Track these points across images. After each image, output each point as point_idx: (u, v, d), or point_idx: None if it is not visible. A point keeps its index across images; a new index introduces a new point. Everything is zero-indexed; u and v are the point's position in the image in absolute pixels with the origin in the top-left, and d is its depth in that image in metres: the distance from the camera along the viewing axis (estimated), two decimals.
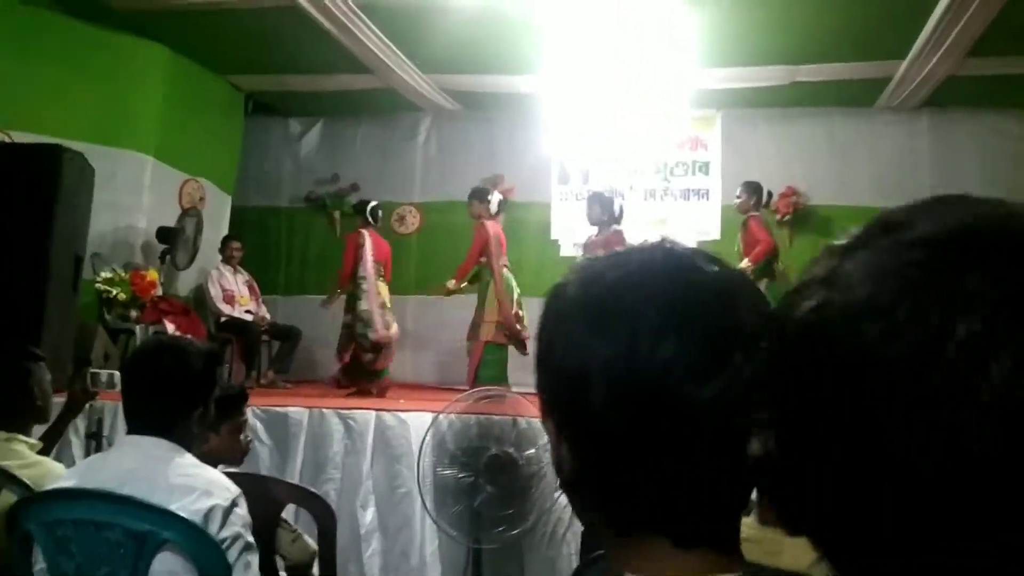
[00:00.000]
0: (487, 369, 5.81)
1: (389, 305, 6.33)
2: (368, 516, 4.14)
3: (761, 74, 6.90)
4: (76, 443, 4.03)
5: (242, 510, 1.85)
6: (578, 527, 3.93)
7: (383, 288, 6.32)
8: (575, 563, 3.92)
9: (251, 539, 1.85)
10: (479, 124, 8.16)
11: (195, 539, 1.78)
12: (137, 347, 2.11)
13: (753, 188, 6.26)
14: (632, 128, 7.80)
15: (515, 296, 6.27)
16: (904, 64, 6.42)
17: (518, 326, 6.06)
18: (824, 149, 7.69)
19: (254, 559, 1.86)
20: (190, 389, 1.94)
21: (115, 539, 1.77)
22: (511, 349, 6.08)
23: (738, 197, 6.32)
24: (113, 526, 1.77)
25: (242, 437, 2.50)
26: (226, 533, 1.80)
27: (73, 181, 4.76)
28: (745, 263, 6.05)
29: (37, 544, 1.86)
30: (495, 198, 6.49)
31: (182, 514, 1.77)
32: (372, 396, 5.69)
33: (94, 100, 6.26)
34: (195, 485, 1.84)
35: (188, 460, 1.91)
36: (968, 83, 6.68)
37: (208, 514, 1.79)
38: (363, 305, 6.11)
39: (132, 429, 1.96)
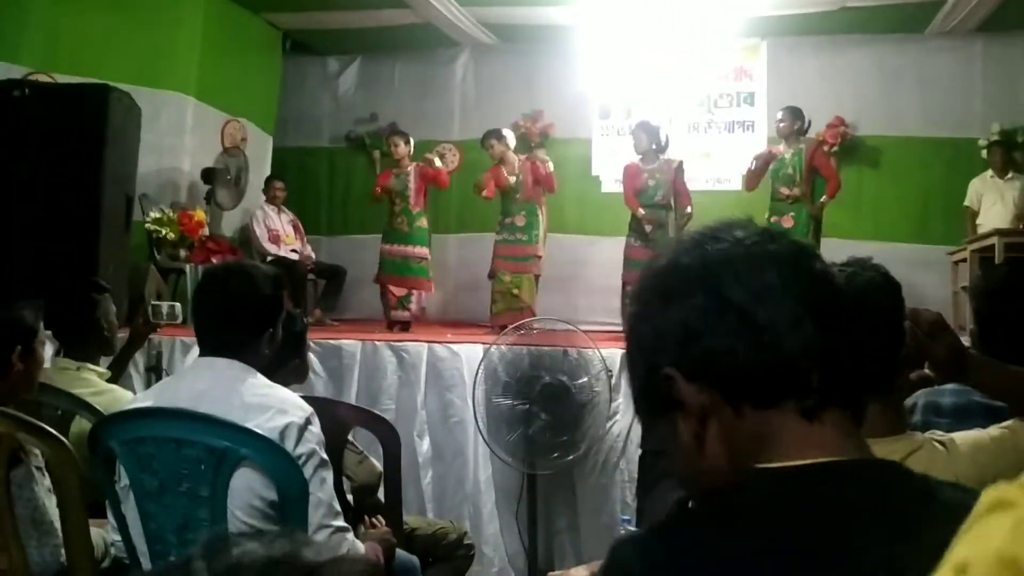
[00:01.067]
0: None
1: None
2: (424, 445, 4.21)
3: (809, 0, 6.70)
4: (136, 377, 4.13)
5: (316, 428, 1.89)
6: (631, 457, 3.97)
7: None
8: (628, 492, 3.97)
9: (325, 456, 1.89)
10: (517, 58, 8.04)
11: (272, 455, 1.82)
12: (205, 270, 2.14)
13: (795, 113, 6.11)
14: (674, 59, 7.66)
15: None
16: None
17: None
18: (873, 78, 7.48)
19: (329, 475, 1.90)
20: (259, 311, 1.97)
21: (195, 456, 1.82)
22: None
23: (780, 121, 6.16)
24: (193, 443, 1.82)
25: (306, 363, 2.54)
26: (301, 449, 1.84)
27: (121, 121, 4.79)
28: (824, 199, 5.95)
29: (120, 461, 1.92)
30: (509, 133, 6.43)
31: (259, 431, 1.81)
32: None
33: (134, 41, 6.26)
34: (270, 404, 1.87)
35: (261, 380, 1.94)
36: None
37: (284, 431, 1.83)
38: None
39: (204, 352, 1.99)
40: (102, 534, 2.21)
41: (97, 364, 2.77)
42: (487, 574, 3.81)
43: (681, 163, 6.08)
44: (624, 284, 5.80)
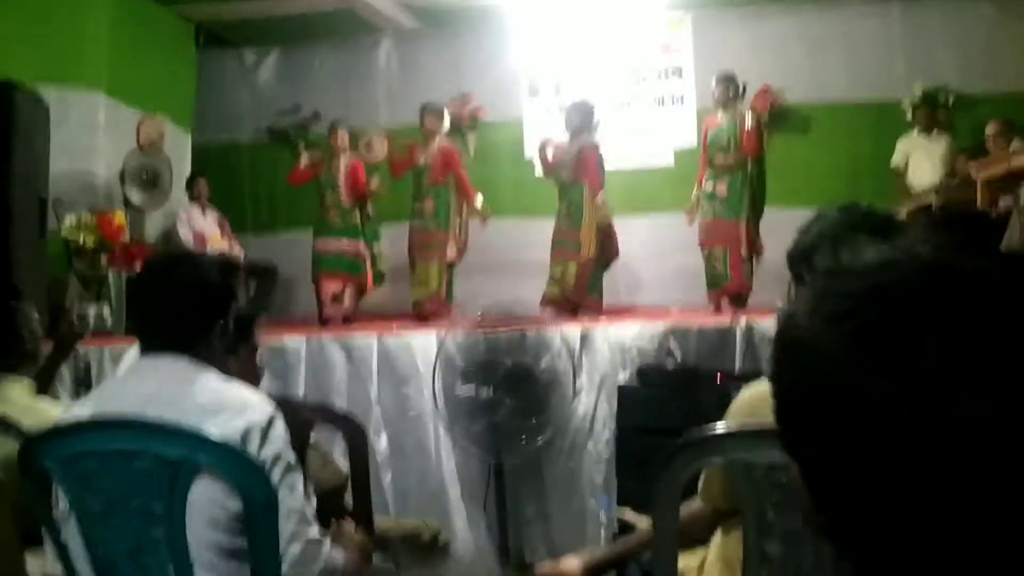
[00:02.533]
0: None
1: None
2: (382, 442, 4.04)
3: None
4: (64, 393, 3.83)
5: (281, 428, 1.70)
6: (600, 437, 3.87)
7: None
8: (597, 474, 3.86)
9: (293, 458, 1.71)
10: (441, 42, 7.86)
11: (234, 462, 1.62)
12: (146, 261, 1.92)
13: (728, 79, 6.08)
14: (601, 36, 7.58)
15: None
16: None
17: None
18: (798, 46, 7.50)
19: (299, 479, 1.71)
20: (210, 301, 1.77)
21: (146, 469, 1.61)
22: None
23: (715, 89, 6.13)
24: (142, 454, 1.61)
25: (258, 359, 2.34)
26: (266, 453, 1.65)
27: (27, 120, 4.47)
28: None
29: (56, 482, 1.70)
30: (447, 115, 6.33)
31: (216, 436, 1.61)
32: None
33: (37, 36, 5.89)
34: (227, 403, 1.67)
35: (214, 378, 1.74)
36: None
37: (245, 434, 1.64)
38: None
39: (147, 350, 1.78)
40: (41, 566, 1.98)
41: (21, 376, 2.51)
42: (457, 571, 3.65)
43: (585, 148, 5.94)
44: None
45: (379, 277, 6.38)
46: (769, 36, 7.50)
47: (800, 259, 1.62)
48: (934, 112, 6.99)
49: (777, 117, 7.45)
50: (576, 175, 5.85)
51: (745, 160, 5.86)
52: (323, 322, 5.89)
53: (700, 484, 1.73)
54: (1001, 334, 0.51)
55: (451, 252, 5.99)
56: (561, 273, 5.69)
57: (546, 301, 5.56)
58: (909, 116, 7.05)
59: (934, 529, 0.52)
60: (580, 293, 5.62)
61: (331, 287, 6.02)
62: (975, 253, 0.55)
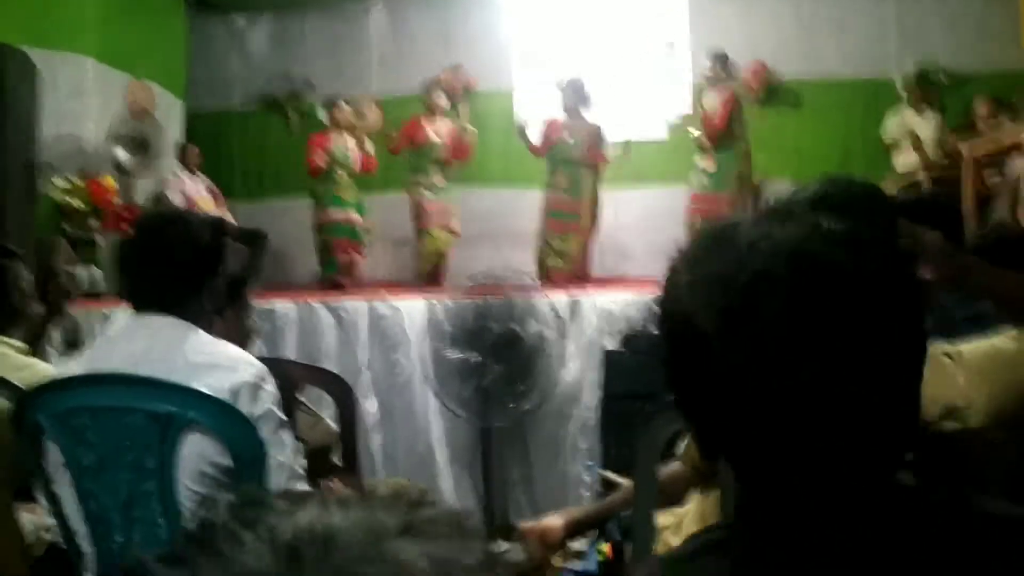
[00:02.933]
0: None
1: None
2: (372, 406, 4.07)
3: None
4: (53, 353, 3.84)
5: (271, 386, 1.73)
6: (586, 403, 3.92)
7: None
8: (583, 440, 3.92)
9: (283, 416, 1.74)
10: (433, 10, 7.81)
11: (224, 418, 1.65)
12: (138, 220, 1.94)
13: (718, 58, 6.12)
14: (595, 6, 7.55)
15: None
16: None
17: None
18: (792, 22, 7.52)
19: (289, 436, 1.75)
20: (200, 261, 1.79)
21: (137, 424, 1.64)
22: None
23: (709, 70, 6.18)
24: (134, 411, 1.64)
25: (249, 322, 2.37)
26: (256, 410, 1.68)
27: (18, 82, 4.45)
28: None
29: (48, 437, 1.73)
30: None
31: (207, 392, 1.64)
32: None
33: (27, 0, 5.82)
34: (217, 362, 1.70)
35: (204, 337, 1.77)
36: None
37: (236, 391, 1.67)
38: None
39: (138, 308, 1.80)
40: (32, 520, 2.02)
41: (12, 337, 2.52)
42: None
43: (600, 128, 6.01)
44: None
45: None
46: (763, 11, 7.50)
47: None
48: (926, 90, 7.01)
49: (770, 92, 7.47)
50: (588, 153, 5.90)
51: (730, 137, 5.90)
52: (335, 286, 5.91)
53: (684, 446, 1.77)
54: (839, 319, 0.63)
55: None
56: (563, 245, 5.75)
57: (548, 273, 5.62)
58: (902, 94, 7.07)
59: (776, 463, 0.66)
60: (585, 265, 5.72)
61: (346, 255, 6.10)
62: (836, 241, 0.65)
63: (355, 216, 6.20)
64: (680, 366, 0.70)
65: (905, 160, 6.64)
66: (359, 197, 6.32)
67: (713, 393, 0.67)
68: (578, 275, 5.69)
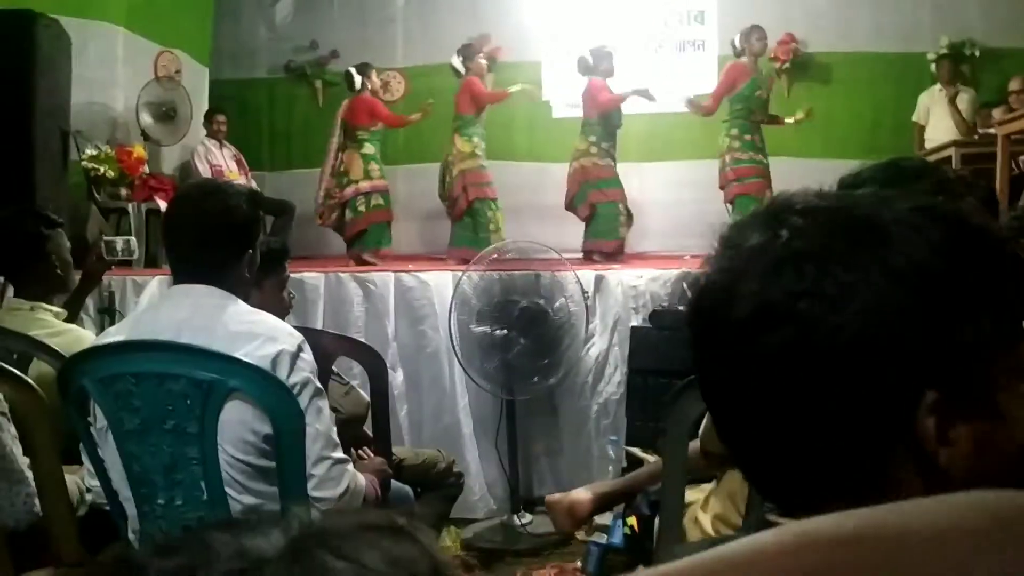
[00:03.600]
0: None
1: None
2: (399, 377, 4.11)
3: None
4: (88, 320, 3.92)
5: (308, 355, 1.77)
6: (611, 378, 3.94)
7: None
8: (607, 416, 3.95)
9: (319, 384, 1.78)
10: None
11: (264, 385, 1.69)
12: (177, 192, 1.98)
13: (743, 34, 6.04)
14: None
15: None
16: None
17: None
18: None
19: (325, 404, 1.79)
20: (238, 232, 1.83)
21: (180, 390, 1.69)
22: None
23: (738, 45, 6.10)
24: (177, 377, 1.68)
25: (285, 294, 2.41)
26: (295, 378, 1.72)
27: (50, 50, 4.48)
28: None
29: (95, 401, 1.78)
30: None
31: (248, 360, 1.68)
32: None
33: None
34: (257, 331, 1.74)
35: (244, 307, 1.81)
36: None
37: (275, 360, 1.71)
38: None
39: (179, 279, 1.85)
40: (76, 480, 2.08)
41: (51, 304, 2.58)
42: (468, 503, 3.75)
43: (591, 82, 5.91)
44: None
45: None
46: None
47: None
48: (958, 66, 6.91)
49: (798, 66, 7.39)
50: (588, 110, 5.82)
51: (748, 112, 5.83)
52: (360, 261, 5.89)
53: (701, 430, 1.74)
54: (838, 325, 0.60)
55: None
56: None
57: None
58: (934, 68, 6.98)
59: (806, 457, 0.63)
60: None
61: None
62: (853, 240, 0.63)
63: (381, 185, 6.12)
64: (707, 350, 0.68)
65: (935, 136, 6.57)
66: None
67: (735, 382, 0.65)
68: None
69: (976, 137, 5.73)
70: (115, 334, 1.87)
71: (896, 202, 0.65)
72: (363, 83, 6.03)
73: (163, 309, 1.88)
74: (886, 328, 0.60)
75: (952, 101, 6.40)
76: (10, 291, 2.61)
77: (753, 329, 0.63)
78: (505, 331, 3.53)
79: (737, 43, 5.96)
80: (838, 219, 0.65)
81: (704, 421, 1.63)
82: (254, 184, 6.80)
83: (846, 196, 0.69)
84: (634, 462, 2.58)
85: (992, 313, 0.62)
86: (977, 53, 7.04)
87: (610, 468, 3.16)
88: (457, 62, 6.14)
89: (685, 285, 3.84)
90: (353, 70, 6.10)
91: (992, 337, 0.61)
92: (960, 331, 0.60)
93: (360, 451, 2.41)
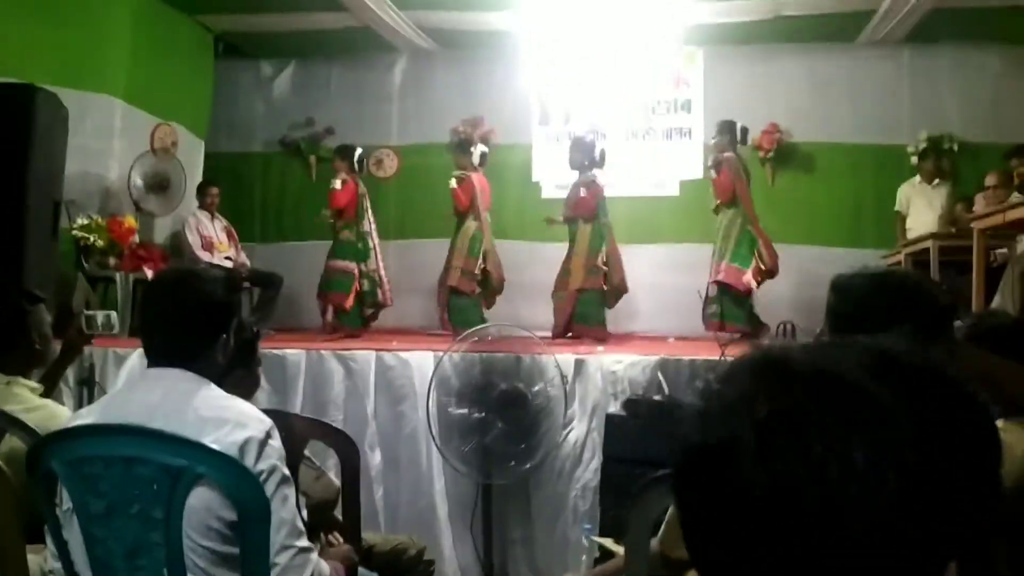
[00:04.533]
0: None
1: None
2: (376, 457, 4.10)
3: (746, 8, 6.80)
4: (67, 391, 3.92)
5: (276, 442, 1.78)
6: (588, 465, 3.93)
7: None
8: (582, 501, 3.92)
9: (287, 471, 1.79)
10: (456, 64, 7.99)
11: (232, 473, 1.70)
12: (155, 276, 2.01)
13: (727, 127, 6.22)
14: (613, 66, 7.70)
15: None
16: None
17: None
18: (805, 85, 7.64)
19: (291, 492, 1.79)
20: (213, 317, 1.85)
21: (148, 475, 1.69)
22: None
23: (713, 139, 6.30)
24: (145, 462, 1.69)
25: (257, 372, 2.42)
26: (262, 466, 1.73)
27: (47, 122, 4.57)
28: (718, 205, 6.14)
29: (62, 483, 1.78)
30: (477, 149, 6.45)
31: (216, 447, 1.70)
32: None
33: (58, 40, 5.98)
34: (227, 417, 1.76)
35: (216, 392, 1.83)
36: (951, 16, 6.64)
37: (243, 446, 1.71)
38: (372, 264, 6.26)
39: (153, 362, 1.87)
40: (38, 561, 2.06)
41: (29, 378, 2.59)
42: None
43: (582, 185, 6.10)
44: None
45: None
46: (777, 74, 7.63)
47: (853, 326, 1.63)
48: (939, 160, 7.09)
49: (782, 155, 7.57)
50: (574, 211, 5.99)
51: (734, 204, 5.98)
52: (329, 331, 6.06)
53: (661, 533, 1.73)
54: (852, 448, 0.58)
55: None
56: (556, 301, 5.87)
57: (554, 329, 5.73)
58: (914, 162, 7.16)
59: None
60: (568, 322, 5.78)
61: (338, 301, 6.16)
62: (868, 363, 0.62)
63: (357, 265, 6.27)
64: (699, 487, 0.65)
65: (915, 226, 6.70)
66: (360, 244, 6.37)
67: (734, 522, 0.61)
68: (560, 330, 5.77)
69: (953, 230, 5.83)
70: (87, 416, 1.88)
71: (893, 370, 0.63)
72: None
73: (136, 392, 1.89)
74: (912, 517, 0.58)
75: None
76: None
77: (773, 502, 0.59)
78: (483, 414, 3.54)
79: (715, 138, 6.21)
80: (840, 391, 0.62)
81: (665, 521, 1.64)
82: (244, 256, 6.87)
83: (837, 356, 0.65)
84: (606, 553, 2.57)
85: (991, 480, 0.62)
86: (955, 147, 7.23)
87: (583, 557, 3.14)
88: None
89: (660, 375, 3.92)
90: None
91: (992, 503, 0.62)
92: (976, 506, 0.60)
93: (330, 536, 2.40)
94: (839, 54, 7.57)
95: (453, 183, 6.25)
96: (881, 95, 7.52)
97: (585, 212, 5.91)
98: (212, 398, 1.80)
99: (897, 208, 7.02)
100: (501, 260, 6.60)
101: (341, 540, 2.37)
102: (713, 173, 6.18)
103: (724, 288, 5.85)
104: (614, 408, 3.87)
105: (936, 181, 6.94)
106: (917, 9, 6.52)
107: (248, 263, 6.85)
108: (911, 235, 6.52)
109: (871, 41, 7.38)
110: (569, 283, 5.81)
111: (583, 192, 5.92)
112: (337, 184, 6.29)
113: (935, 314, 1.57)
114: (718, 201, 6.16)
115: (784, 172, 7.63)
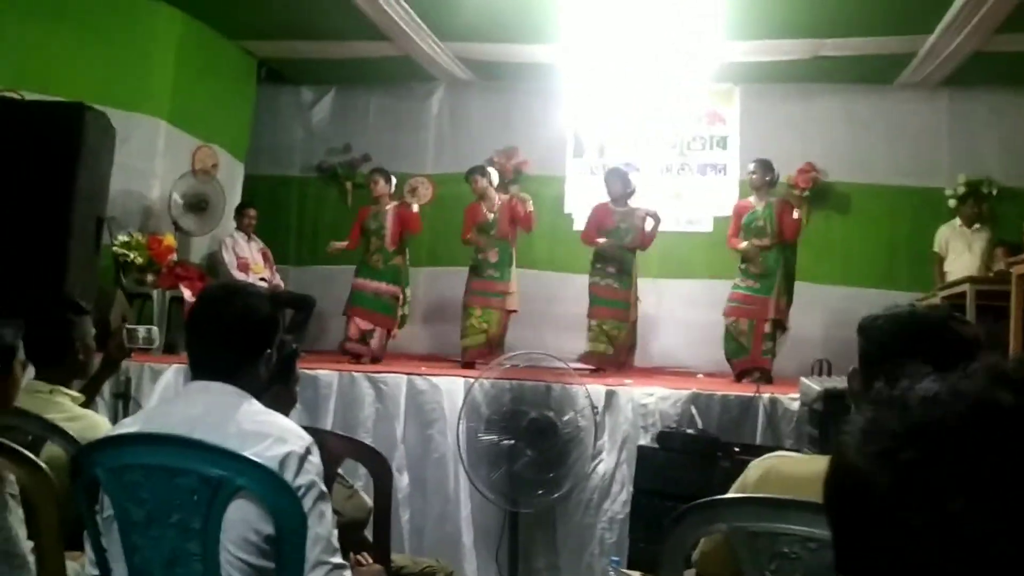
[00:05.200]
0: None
1: None
2: (404, 481, 4.11)
3: (784, 47, 6.82)
4: (102, 404, 3.97)
5: (316, 458, 1.79)
6: (616, 497, 3.91)
7: None
8: (609, 534, 3.90)
9: (324, 488, 1.80)
10: (493, 95, 8.08)
11: (271, 486, 1.72)
12: (201, 292, 2.04)
13: (766, 165, 6.18)
14: (650, 101, 7.75)
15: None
16: (931, 39, 6.34)
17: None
18: (842, 126, 7.64)
19: (328, 508, 1.80)
20: (258, 332, 1.89)
21: (188, 485, 1.71)
22: None
23: (752, 173, 6.25)
24: (187, 472, 1.71)
25: (295, 389, 2.46)
26: (301, 481, 1.75)
27: (95, 140, 4.68)
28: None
29: (104, 490, 1.81)
30: (493, 171, 6.55)
31: (257, 460, 1.72)
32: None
33: (107, 62, 6.17)
34: (268, 432, 1.78)
35: (257, 407, 1.85)
36: (991, 60, 6.61)
37: (283, 461, 1.73)
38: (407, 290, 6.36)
39: (198, 375, 1.90)
40: (75, 568, 2.09)
41: (71, 388, 2.64)
42: None
43: (648, 214, 6.10)
44: (589, 319, 5.94)
45: (403, 320, 6.49)
46: (815, 114, 7.63)
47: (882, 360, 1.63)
48: (978, 205, 7.03)
49: (817, 194, 7.55)
50: (637, 239, 6.00)
51: (782, 242, 5.91)
52: (343, 352, 6.08)
53: (695, 555, 1.74)
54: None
55: (512, 302, 6.18)
56: (615, 331, 5.83)
57: (594, 357, 5.68)
58: (951, 204, 7.11)
59: None
60: (630, 352, 5.79)
61: (362, 324, 6.18)
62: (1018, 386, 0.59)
63: (386, 288, 6.27)
64: (848, 527, 0.63)
65: (953, 269, 6.63)
66: (396, 267, 6.38)
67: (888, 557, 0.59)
68: (621, 361, 5.77)
69: (991, 274, 5.77)
70: (130, 426, 1.91)
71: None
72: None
73: (178, 404, 1.93)
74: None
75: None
76: (31, 372, 2.67)
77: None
78: (513, 441, 3.54)
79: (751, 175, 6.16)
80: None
81: (699, 547, 1.63)
82: (278, 277, 6.95)
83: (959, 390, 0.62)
84: None
85: None
86: (995, 191, 7.18)
87: None
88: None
89: (694, 409, 3.91)
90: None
91: None
92: None
93: (359, 556, 2.40)
94: (877, 96, 7.56)
95: (530, 205, 6.25)
96: (919, 138, 7.49)
97: (647, 242, 5.97)
98: (254, 412, 1.83)
99: (935, 250, 6.95)
100: (532, 291, 6.65)
101: (370, 560, 2.37)
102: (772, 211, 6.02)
103: (778, 324, 5.80)
104: (644, 441, 3.85)
105: (976, 225, 6.88)
106: (957, 53, 6.51)
107: (282, 284, 6.92)
108: (949, 278, 6.46)
109: (909, 83, 7.37)
110: (629, 315, 5.85)
111: (648, 226, 5.95)
112: (415, 207, 6.37)
113: (959, 349, 1.55)
114: (781, 239, 5.98)
115: (819, 211, 7.61)
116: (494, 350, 5.86)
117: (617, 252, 5.96)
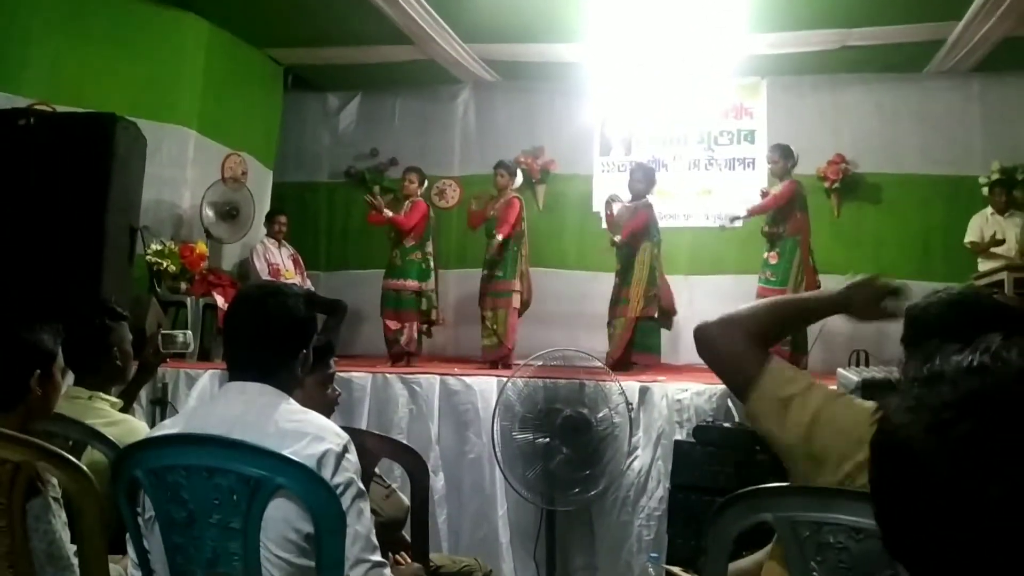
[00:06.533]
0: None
1: None
2: (439, 481, 4.12)
3: (811, 38, 6.75)
4: (139, 410, 4.01)
5: (353, 456, 1.80)
6: (653, 493, 3.88)
7: None
8: (646, 530, 3.88)
9: (362, 486, 1.81)
10: (519, 95, 8.08)
11: (310, 485, 1.72)
12: (238, 293, 2.06)
13: (784, 150, 6.13)
14: (676, 97, 7.71)
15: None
16: (960, 25, 6.25)
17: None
18: (872, 116, 7.54)
19: (366, 506, 1.81)
20: (295, 332, 1.90)
21: (228, 485, 1.72)
22: None
23: (772, 160, 6.21)
24: (226, 472, 1.72)
25: (329, 391, 2.47)
26: (339, 479, 1.75)
27: (127, 151, 4.74)
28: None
29: (145, 491, 1.82)
30: (520, 173, 6.60)
31: (296, 459, 1.72)
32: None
33: (136, 73, 6.24)
34: (306, 430, 1.79)
35: (294, 406, 1.86)
36: (1022, 46, 6.50)
37: (321, 459, 1.74)
38: (431, 284, 6.33)
39: (235, 376, 1.91)
40: (118, 571, 2.11)
41: (109, 394, 2.67)
42: None
43: (639, 208, 6.04)
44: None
45: (430, 314, 6.44)
46: (843, 105, 7.55)
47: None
48: (1011, 191, 6.91)
49: (848, 186, 7.46)
50: (629, 232, 5.95)
51: (793, 234, 5.87)
52: (393, 357, 6.12)
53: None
54: None
55: (517, 300, 6.13)
56: (614, 330, 5.82)
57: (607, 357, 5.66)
58: (985, 193, 6.99)
59: None
60: (627, 349, 5.71)
61: (391, 325, 6.21)
62: None
63: (404, 283, 6.29)
64: (902, 506, 0.61)
65: (987, 259, 6.53)
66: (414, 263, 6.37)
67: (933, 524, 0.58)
68: (616, 359, 5.67)
69: None
70: (169, 427, 1.92)
71: None
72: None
73: (217, 405, 1.94)
74: None
75: None
76: (70, 378, 2.71)
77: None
78: (547, 439, 3.53)
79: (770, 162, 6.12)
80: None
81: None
82: (309, 283, 6.99)
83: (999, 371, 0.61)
84: None
85: None
86: None
87: None
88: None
89: (730, 403, 3.86)
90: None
91: None
92: None
93: (398, 556, 2.41)
94: (906, 84, 7.46)
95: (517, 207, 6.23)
96: (950, 126, 7.38)
97: (639, 229, 5.87)
98: (292, 411, 1.83)
99: (974, 239, 6.82)
100: (562, 289, 6.61)
101: (408, 559, 2.38)
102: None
103: None
104: (680, 436, 3.82)
105: (1009, 212, 6.76)
106: (987, 39, 6.40)
107: (313, 290, 6.96)
108: (982, 267, 6.36)
109: (939, 71, 7.26)
110: (627, 311, 5.76)
111: (635, 213, 5.90)
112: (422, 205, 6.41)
113: (1020, 323, 1.53)
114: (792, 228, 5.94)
115: (850, 203, 7.51)
116: (506, 350, 5.88)
117: (617, 250, 5.95)
